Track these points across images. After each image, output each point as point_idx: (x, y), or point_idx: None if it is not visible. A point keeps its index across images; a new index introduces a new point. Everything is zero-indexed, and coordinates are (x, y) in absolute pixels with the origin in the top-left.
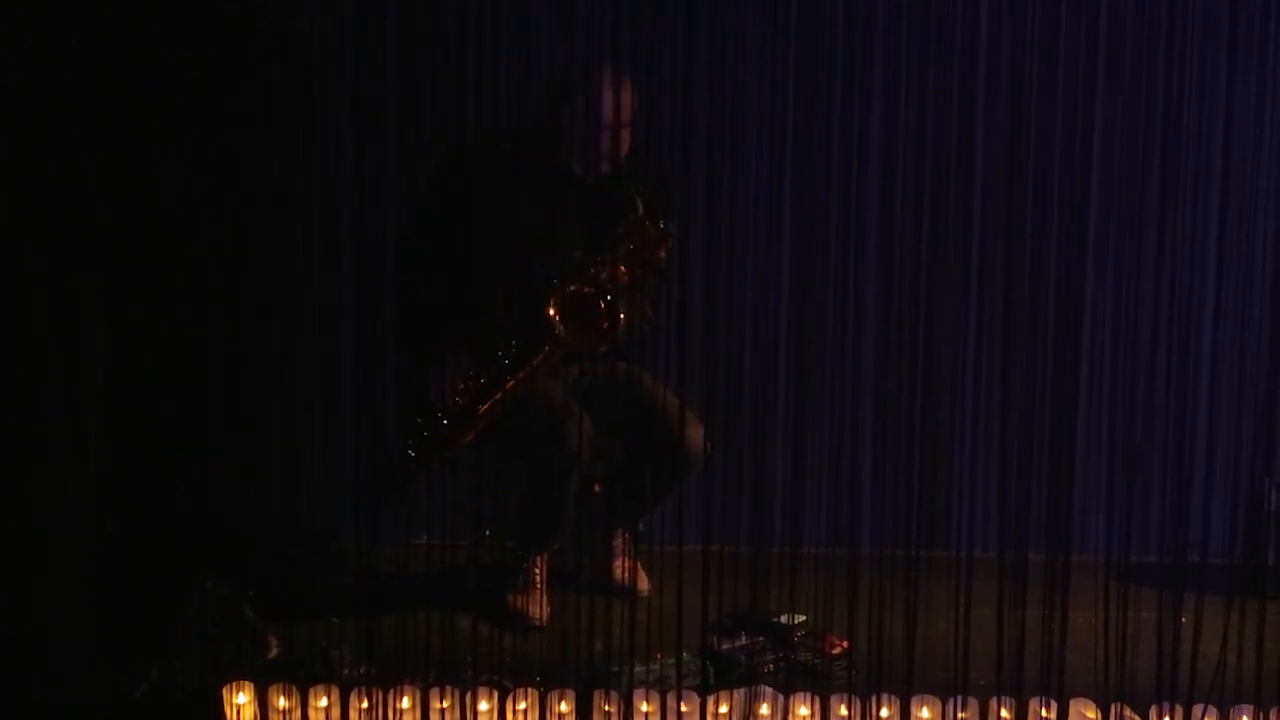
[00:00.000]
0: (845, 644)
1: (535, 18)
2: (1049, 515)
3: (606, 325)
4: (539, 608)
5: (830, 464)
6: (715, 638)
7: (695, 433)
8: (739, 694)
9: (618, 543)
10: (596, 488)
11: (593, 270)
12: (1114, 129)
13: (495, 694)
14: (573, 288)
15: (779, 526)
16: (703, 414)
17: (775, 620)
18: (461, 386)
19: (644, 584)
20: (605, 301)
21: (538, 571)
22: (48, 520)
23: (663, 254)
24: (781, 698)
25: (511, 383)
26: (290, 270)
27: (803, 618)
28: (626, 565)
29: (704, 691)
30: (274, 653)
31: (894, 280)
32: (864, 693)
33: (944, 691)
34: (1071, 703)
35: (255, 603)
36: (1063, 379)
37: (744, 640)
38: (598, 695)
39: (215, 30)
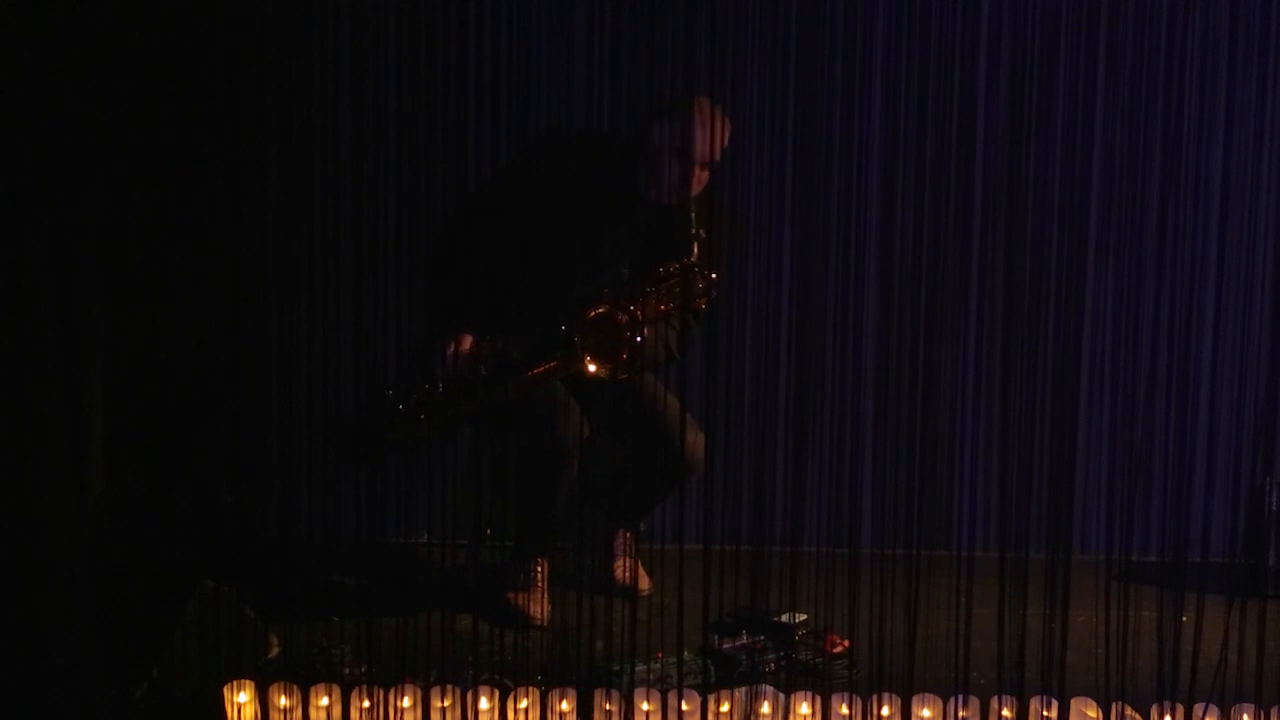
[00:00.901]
0: (846, 643)
1: (535, 16)
2: (1050, 514)
3: (625, 358)
4: (540, 607)
5: (831, 463)
6: (716, 637)
7: (695, 440)
8: (740, 693)
9: (619, 542)
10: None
11: (629, 299)
12: (1114, 132)
13: (496, 693)
14: (603, 311)
15: (780, 526)
16: (702, 418)
17: (776, 619)
18: (467, 364)
19: (645, 583)
20: (630, 337)
21: (539, 571)
22: (48, 521)
23: (703, 304)
24: (782, 697)
25: (515, 380)
26: (291, 271)
27: (803, 617)
28: (627, 565)
29: (705, 691)
30: (275, 652)
31: (894, 280)
32: (865, 692)
33: (945, 691)
34: (1072, 702)
35: (256, 602)
36: (1063, 379)
37: (745, 639)
38: (599, 694)
39: (215, 29)
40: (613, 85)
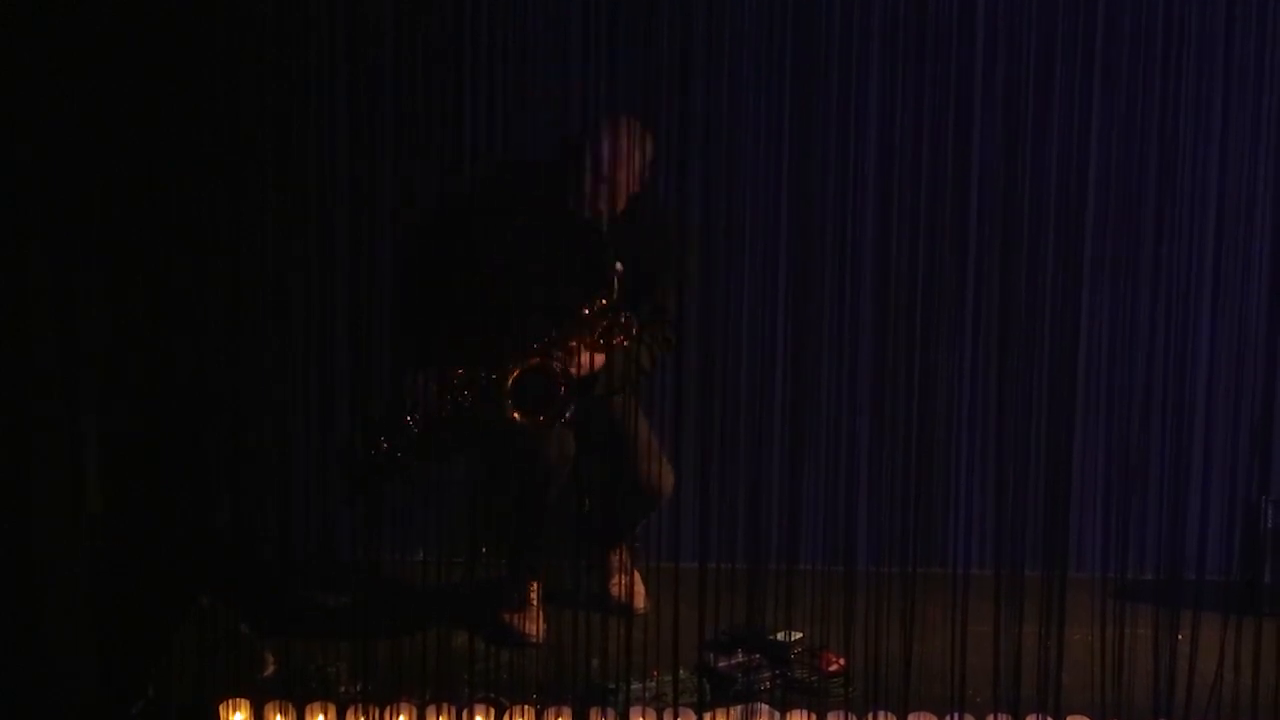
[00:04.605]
0: (842, 661)
1: (531, 16)
2: (1045, 532)
3: (556, 404)
4: (535, 625)
5: (827, 481)
6: (712, 655)
7: (655, 471)
8: (735, 711)
9: (615, 560)
10: (586, 502)
11: (553, 352)
12: (1109, 141)
13: (492, 711)
14: (528, 367)
15: (776, 543)
16: (698, 435)
17: (772, 637)
18: (436, 400)
19: (641, 601)
20: (560, 383)
21: (532, 589)
22: (44, 538)
23: (624, 343)
24: (778, 715)
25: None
26: (289, 285)
27: (799, 635)
28: (624, 582)
29: (700, 709)
30: (270, 670)
31: (890, 297)
32: (861, 710)
33: (941, 708)
34: (1068, 719)
35: (251, 619)
36: (1059, 395)
37: (741, 657)
38: (594, 713)
39: (215, 29)
40: (610, 83)
